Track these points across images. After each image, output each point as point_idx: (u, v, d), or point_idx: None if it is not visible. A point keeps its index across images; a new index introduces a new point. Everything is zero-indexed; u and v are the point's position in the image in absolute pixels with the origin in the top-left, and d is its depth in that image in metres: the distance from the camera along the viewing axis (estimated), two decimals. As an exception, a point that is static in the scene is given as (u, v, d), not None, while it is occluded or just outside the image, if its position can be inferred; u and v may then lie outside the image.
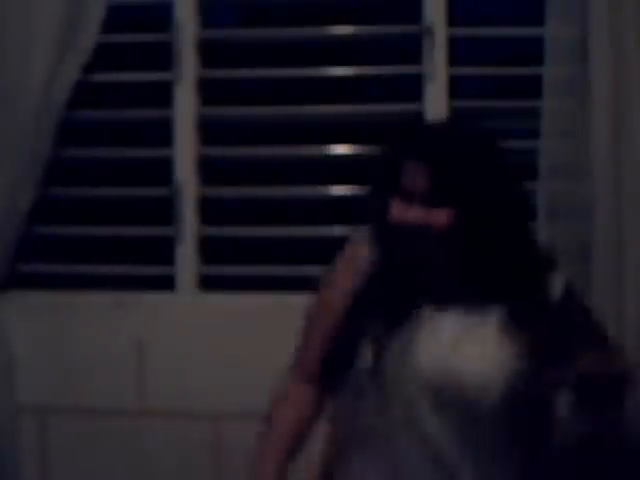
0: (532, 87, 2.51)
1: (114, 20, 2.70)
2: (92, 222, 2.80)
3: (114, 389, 2.70)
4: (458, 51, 2.63)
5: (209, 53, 2.75)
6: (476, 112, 2.70)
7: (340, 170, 2.73)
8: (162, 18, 2.73)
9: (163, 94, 2.73)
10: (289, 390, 1.94)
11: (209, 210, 2.75)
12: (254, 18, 2.81)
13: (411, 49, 2.65)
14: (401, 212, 1.70)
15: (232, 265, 2.77)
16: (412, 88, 2.64)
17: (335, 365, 1.82)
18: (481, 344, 1.74)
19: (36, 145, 2.65)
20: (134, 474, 2.70)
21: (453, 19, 2.64)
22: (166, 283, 2.74)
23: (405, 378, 1.73)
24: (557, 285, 1.76)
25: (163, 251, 2.75)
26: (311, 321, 1.91)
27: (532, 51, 2.52)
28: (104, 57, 2.72)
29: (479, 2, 2.73)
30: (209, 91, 2.75)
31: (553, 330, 1.74)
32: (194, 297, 2.73)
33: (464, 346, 1.74)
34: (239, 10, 2.87)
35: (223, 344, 2.66)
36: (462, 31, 2.65)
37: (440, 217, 1.68)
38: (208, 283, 2.74)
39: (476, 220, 1.68)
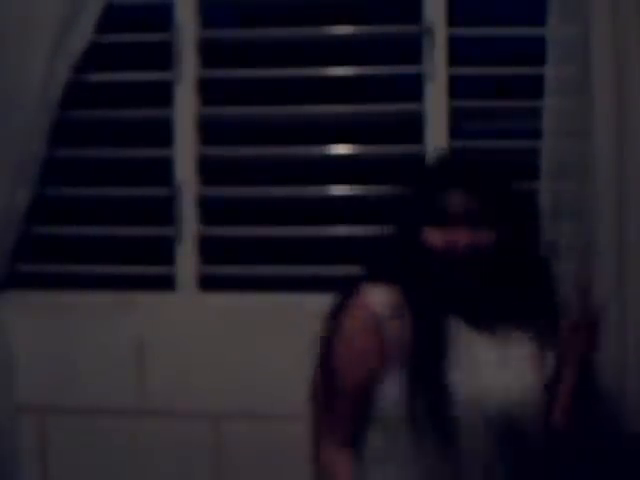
0: (533, 87, 2.51)
1: (114, 20, 2.70)
2: (92, 222, 2.79)
3: (114, 389, 2.70)
4: (458, 51, 2.64)
5: (209, 53, 2.75)
6: (476, 112, 2.70)
7: (340, 170, 2.73)
8: (162, 18, 2.73)
9: (163, 94, 2.73)
10: (335, 461, 1.92)
11: (209, 210, 2.75)
12: (254, 18, 2.81)
13: (411, 49, 2.65)
14: (445, 238, 1.80)
15: (232, 265, 2.77)
16: (412, 88, 2.65)
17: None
18: (517, 368, 1.84)
19: (35, 144, 2.65)
20: (134, 474, 2.70)
21: (453, 19, 2.64)
22: (166, 283, 2.74)
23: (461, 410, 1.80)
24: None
25: (163, 251, 2.75)
26: (332, 389, 1.90)
27: (533, 51, 2.52)
28: (104, 57, 2.72)
29: (479, 2, 2.73)
30: (209, 91, 2.75)
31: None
32: (194, 297, 2.73)
33: (504, 371, 1.83)
34: (239, 10, 2.86)
35: (223, 344, 2.66)
36: (462, 31, 2.65)
37: (484, 237, 1.80)
38: (208, 283, 2.74)
39: (510, 243, 1.82)
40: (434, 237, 1.81)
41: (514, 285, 1.85)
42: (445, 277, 1.82)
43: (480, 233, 1.80)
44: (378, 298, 1.86)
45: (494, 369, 1.82)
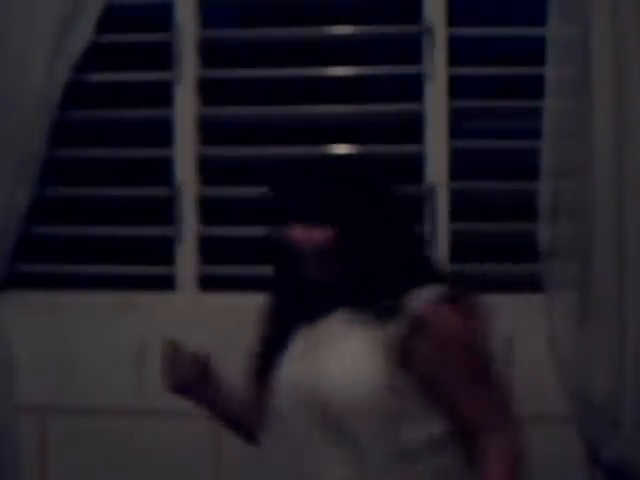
0: (533, 87, 2.51)
1: (115, 20, 2.70)
2: (92, 222, 2.80)
3: (114, 389, 2.70)
4: (458, 51, 2.64)
5: (209, 53, 2.75)
6: (476, 112, 2.70)
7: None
8: (162, 18, 2.74)
9: (163, 94, 2.73)
10: None
11: (209, 210, 2.75)
12: (254, 18, 2.81)
13: (411, 49, 2.65)
14: (289, 233, 1.88)
15: (232, 265, 2.77)
16: (412, 88, 2.65)
17: None
18: (345, 356, 1.85)
19: (35, 144, 2.65)
20: (134, 474, 2.70)
21: (453, 19, 2.64)
22: (166, 283, 2.74)
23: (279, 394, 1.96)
24: (420, 299, 1.82)
25: (163, 251, 2.75)
26: None
27: (533, 51, 2.52)
28: (104, 57, 2.73)
29: (479, 2, 2.73)
30: (209, 91, 2.76)
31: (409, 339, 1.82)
32: (194, 297, 2.73)
33: (327, 358, 1.87)
34: (239, 10, 2.87)
35: (223, 344, 2.65)
36: (462, 31, 2.66)
37: (320, 235, 1.85)
38: (208, 283, 2.74)
39: (351, 237, 1.85)
40: (288, 234, 1.89)
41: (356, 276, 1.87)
42: (289, 271, 1.93)
43: (316, 230, 1.86)
44: None
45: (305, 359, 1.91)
